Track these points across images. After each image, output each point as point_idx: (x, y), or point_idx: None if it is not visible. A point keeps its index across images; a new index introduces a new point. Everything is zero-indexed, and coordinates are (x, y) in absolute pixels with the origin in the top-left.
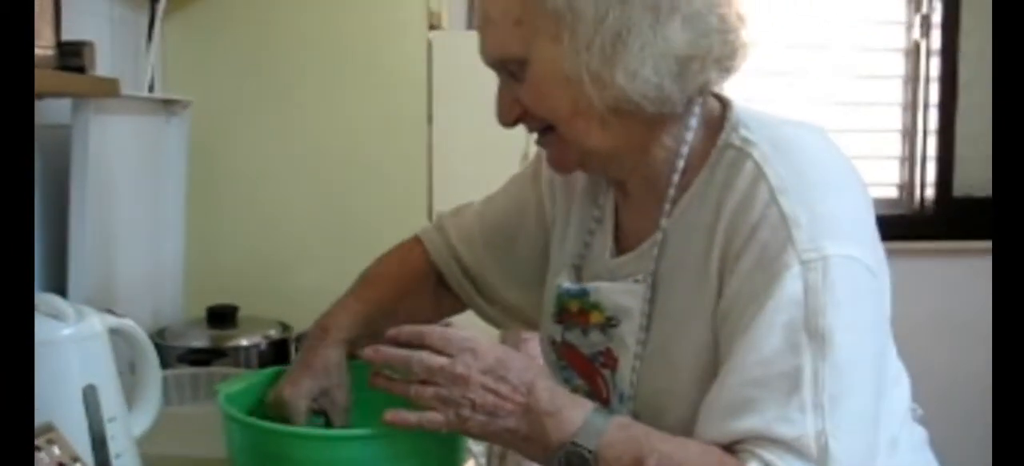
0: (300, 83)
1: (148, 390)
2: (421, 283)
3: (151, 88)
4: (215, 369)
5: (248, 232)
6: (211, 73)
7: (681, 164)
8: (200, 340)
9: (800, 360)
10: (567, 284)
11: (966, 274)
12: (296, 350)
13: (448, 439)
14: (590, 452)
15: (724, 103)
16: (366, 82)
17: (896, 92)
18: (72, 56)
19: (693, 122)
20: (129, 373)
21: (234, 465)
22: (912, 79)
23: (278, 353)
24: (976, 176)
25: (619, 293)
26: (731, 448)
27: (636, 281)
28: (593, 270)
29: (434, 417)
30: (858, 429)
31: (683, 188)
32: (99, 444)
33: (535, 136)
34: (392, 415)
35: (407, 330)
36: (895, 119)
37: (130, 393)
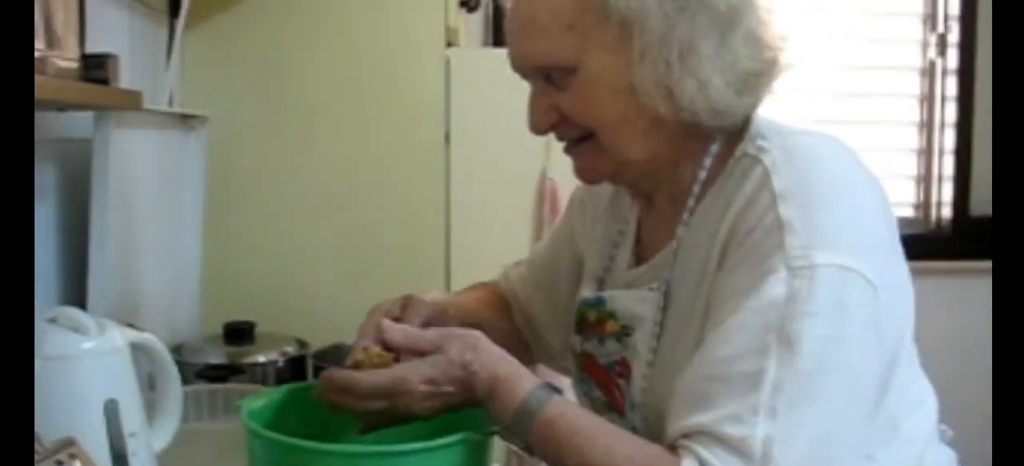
0: (318, 100)
1: (168, 405)
2: (500, 307)
3: (170, 104)
4: (232, 386)
5: (265, 249)
6: (229, 90)
7: (703, 175)
8: (217, 356)
9: (765, 362)
10: (586, 293)
11: (982, 294)
12: (313, 368)
13: (472, 459)
14: (520, 445)
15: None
16: (384, 99)
17: (912, 111)
18: (96, 68)
19: (719, 135)
20: (148, 388)
21: None
22: (928, 98)
23: (295, 370)
24: None
25: (634, 301)
26: (678, 442)
27: (651, 289)
28: (614, 282)
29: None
30: (814, 443)
31: (701, 198)
32: (120, 459)
33: (560, 148)
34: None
35: (337, 380)
36: (911, 138)
37: (149, 408)
